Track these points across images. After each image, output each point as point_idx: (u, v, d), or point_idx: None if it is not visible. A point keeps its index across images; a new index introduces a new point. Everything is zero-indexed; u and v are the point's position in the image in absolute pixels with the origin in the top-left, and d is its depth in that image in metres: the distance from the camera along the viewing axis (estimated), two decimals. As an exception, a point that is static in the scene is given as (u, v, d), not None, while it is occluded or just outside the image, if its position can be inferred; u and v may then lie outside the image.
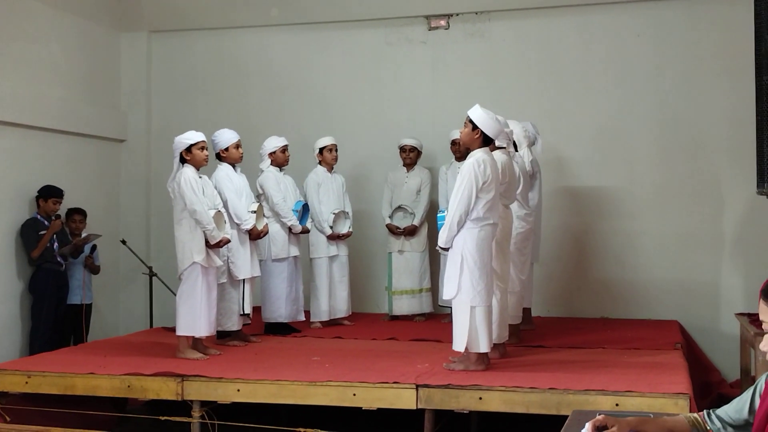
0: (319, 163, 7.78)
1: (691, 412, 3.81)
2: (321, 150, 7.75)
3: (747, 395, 2.65)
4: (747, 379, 6.52)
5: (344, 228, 7.77)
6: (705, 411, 2.76)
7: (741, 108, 7.36)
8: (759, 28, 5.38)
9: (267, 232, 6.98)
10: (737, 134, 7.60)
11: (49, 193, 7.52)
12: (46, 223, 7.45)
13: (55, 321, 7.48)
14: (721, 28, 7.83)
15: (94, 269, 7.92)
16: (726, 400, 2.83)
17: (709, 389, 7.31)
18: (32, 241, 7.37)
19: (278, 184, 7.32)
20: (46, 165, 7.92)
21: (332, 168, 7.81)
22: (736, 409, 2.67)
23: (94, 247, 7.88)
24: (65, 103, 8.29)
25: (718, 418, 2.70)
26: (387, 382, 5.14)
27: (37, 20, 7.94)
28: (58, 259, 7.49)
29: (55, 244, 7.47)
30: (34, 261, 7.40)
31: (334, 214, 7.65)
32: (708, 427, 2.71)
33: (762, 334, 2.34)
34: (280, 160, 7.36)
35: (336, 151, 7.77)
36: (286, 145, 7.39)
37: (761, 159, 5.34)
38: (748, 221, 7.74)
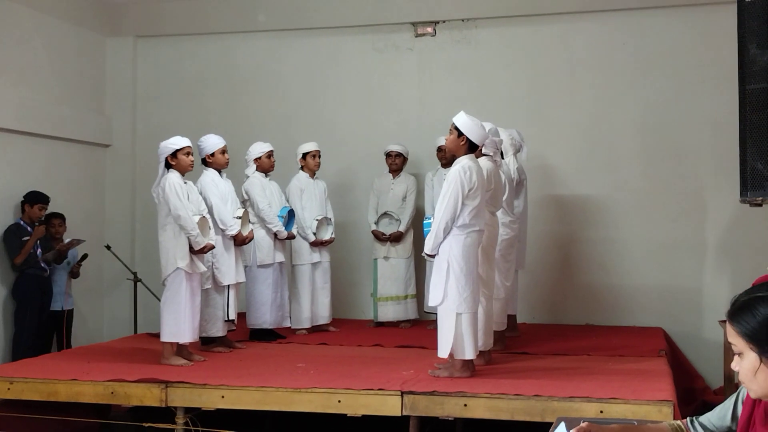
0: (302, 168, 7.77)
1: (674, 419, 3.81)
2: (304, 155, 7.74)
3: (730, 402, 2.66)
4: (730, 386, 6.55)
5: (327, 234, 7.76)
6: (688, 418, 2.76)
7: (724, 116, 7.41)
8: (742, 36, 5.40)
9: (252, 238, 6.96)
10: (721, 142, 7.64)
11: (36, 199, 7.47)
12: (29, 228, 7.40)
13: (39, 327, 7.43)
14: (705, 37, 7.88)
15: (73, 274, 7.87)
16: (709, 407, 2.83)
17: (693, 396, 7.34)
18: (15, 247, 7.31)
19: (264, 190, 7.30)
20: (30, 169, 7.87)
21: (314, 174, 7.80)
22: (719, 416, 2.68)
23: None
24: (50, 107, 8.25)
25: (701, 425, 2.70)
26: (372, 389, 5.13)
27: (22, 24, 7.91)
28: (42, 265, 7.44)
29: (39, 250, 7.42)
30: (18, 267, 7.35)
31: (317, 220, 7.63)
32: (691, 434, 2.72)
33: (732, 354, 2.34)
34: (265, 165, 7.34)
35: (319, 157, 7.75)
36: (272, 151, 7.37)
37: (744, 167, 5.36)
38: (731, 228, 7.78)
